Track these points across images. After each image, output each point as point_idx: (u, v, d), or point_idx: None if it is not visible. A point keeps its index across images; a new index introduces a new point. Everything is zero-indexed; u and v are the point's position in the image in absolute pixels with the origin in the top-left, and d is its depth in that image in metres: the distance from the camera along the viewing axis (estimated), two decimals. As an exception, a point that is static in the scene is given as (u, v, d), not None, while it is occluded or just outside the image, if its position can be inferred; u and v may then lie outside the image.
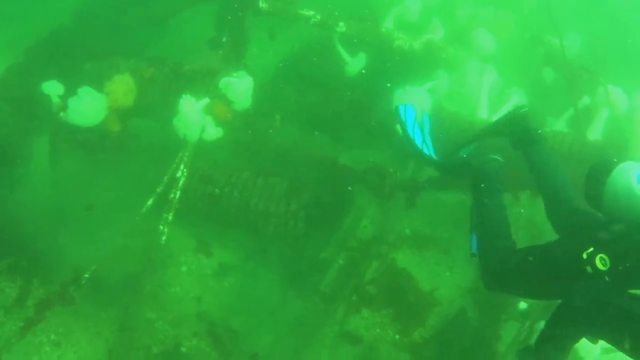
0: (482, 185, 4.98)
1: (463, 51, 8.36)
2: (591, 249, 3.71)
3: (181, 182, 7.07)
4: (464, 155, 5.56)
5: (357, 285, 6.80)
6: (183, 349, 6.76)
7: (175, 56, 7.98)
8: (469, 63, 8.09)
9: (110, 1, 8.66)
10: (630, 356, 3.48)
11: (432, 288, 6.87)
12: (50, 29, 8.31)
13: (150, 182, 7.12)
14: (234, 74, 7.27)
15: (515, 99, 7.79)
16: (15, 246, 6.59)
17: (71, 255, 6.91)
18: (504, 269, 4.47)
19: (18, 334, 6.09)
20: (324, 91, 7.78)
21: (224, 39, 7.93)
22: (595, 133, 7.45)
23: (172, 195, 7.05)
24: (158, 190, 7.05)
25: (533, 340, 6.33)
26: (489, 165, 5.05)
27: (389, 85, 7.32)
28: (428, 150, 5.67)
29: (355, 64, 7.97)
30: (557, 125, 7.85)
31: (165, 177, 7.09)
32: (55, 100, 7.07)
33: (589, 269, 3.68)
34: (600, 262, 3.62)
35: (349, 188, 6.99)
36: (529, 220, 7.24)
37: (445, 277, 7.00)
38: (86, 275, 6.54)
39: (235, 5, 7.93)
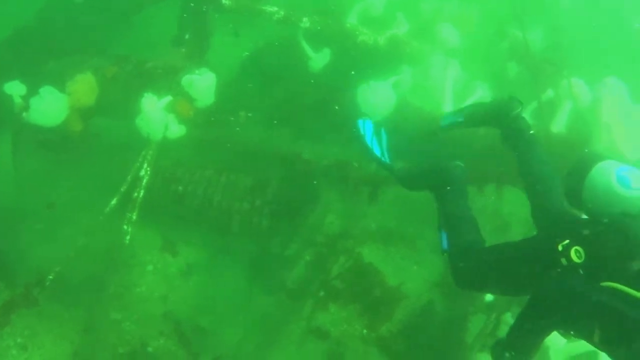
0: (448, 188, 4.96)
1: (427, 45, 8.35)
2: (567, 241, 3.69)
3: (145, 180, 7.01)
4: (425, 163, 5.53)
5: (323, 280, 6.78)
6: (149, 349, 6.71)
7: (139, 54, 7.91)
8: (433, 57, 8.07)
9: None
10: (599, 349, 3.50)
11: (399, 282, 6.86)
12: (13, 28, 8.19)
13: (114, 181, 7.05)
14: (197, 71, 7.20)
15: (479, 93, 7.79)
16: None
17: (34, 256, 6.87)
18: (476, 267, 4.45)
19: (-15, 338, 6.01)
20: (288, 87, 7.74)
21: (187, 36, 7.87)
22: (558, 125, 7.48)
23: (135, 194, 6.99)
24: (122, 189, 6.98)
25: (500, 331, 6.43)
26: (453, 171, 5.04)
27: (353, 80, 7.27)
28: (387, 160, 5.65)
29: (319, 59, 7.94)
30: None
31: (129, 176, 7.02)
32: (18, 100, 7.00)
33: (563, 260, 3.66)
34: (575, 254, 3.61)
35: (314, 182, 6.94)
36: (494, 213, 7.26)
37: (412, 271, 7.00)
38: (50, 277, 6.45)
39: (198, 2, 7.86)
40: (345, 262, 6.85)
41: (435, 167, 5.14)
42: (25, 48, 7.91)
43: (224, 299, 6.98)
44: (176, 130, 7.07)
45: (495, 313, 6.45)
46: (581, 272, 3.60)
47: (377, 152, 5.49)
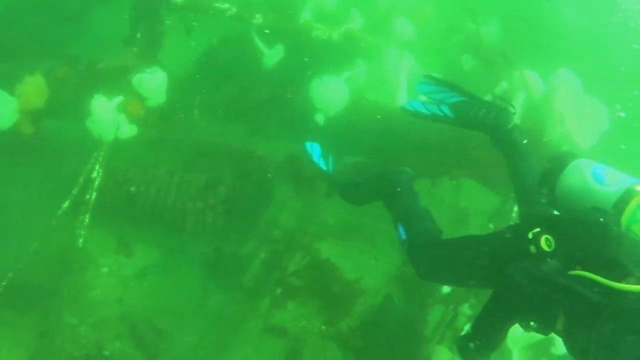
0: (398, 189, 4.95)
1: (382, 39, 8.33)
2: (537, 229, 3.67)
3: (97, 182, 6.92)
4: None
5: (280, 278, 6.72)
6: (106, 353, 6.65)
7: (91, 54, 7.80)
8: (388, 51, 8.06)
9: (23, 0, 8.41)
10: (561, 336, 3.48)
11: (357, 277, 6.84)
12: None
13: (66, 184, 6.95)
14: (147, 70, 7.12)
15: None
16: None
17: (-15, 262, 6.71)
18: (439, 257, 4.45)
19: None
20: (242, 84, 7.68)
21: (139, 35, 7.76)
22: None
23: (88, 197, 6.89)
24: (73, 192, 6.87)
25: (458, 322, 6.45)
26: (401, 175, 5.03)
27: (307, 75, 7.25)
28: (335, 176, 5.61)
29: (272, 55, 7.88)
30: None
31: (81, 178, 6.91)
32: (-33, 104, 6.86)
33: (532, 248, 3.63)
34: (545, 242, 3.58)
35: (269, 175, 6.89)
36: (451, 205, 7.26)
37: (370, 266, 6.97)
38: (3, 283, 6.35)
39: (150, 0, 7.77)
40: (303, 259, 6.80)
41: (384, 172, 5.15)
42: (-27, 50, 7.76)
43: (180, 299, 6.91)
44: (127, 130, 6.98)
45: (452, 305, 6.46)
46: (549, 261, 3.58)
47: (325, 170, 5.46)
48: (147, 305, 6.97)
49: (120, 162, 7.10)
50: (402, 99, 7.53)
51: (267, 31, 7.98)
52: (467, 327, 6.28)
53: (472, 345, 3.86)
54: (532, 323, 3.80)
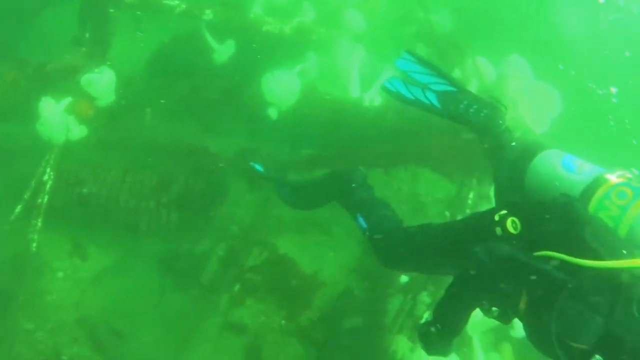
0: (353, 185, 4.92)
1: (334, 32, 8.30)
2: (504, 211, 3.66)
3: (48, 185, 6.82)
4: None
5: (238, 274, 6.69)
6: (64, 358, 6.56)
7: (39, 56, 7.69)
8: (340, 43, 8.04)
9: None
10: (523, 320, 3.49)
11: (316, 270, 6.83)
12: None
13: (17, 188, 6.84)
14: (96, 70, 7.03)
15: (386, 75, 7.80)
16: None
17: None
18: (403, 244, 4.43)
19: None
20: (193, 81, 7.61)
21: (87, 35, 7.67)
22: (466, 103, 7.53)
23: (40, 200, 6.79)
24: (25, 196, 6.77)
25: (417, 311, 6.46)
26: (356, 172, 5.00)
27: (258, 70, 7.21)
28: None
29: (223, 51, 7.82)
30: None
31: (32, 182, 6.81)
32: None
33: (498, 230, 3.61)
34: (512, 224, 3.57)
35: (222, 174, 6.84)
36: (410, 195, 7.26)
37: (329, 258, 6.95)
38: (-44, 291, 6.24)
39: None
40: (260, 254, 6.77)
41: (337, 170, 5.12)
42: None
43: (137, 300, 6.85)
44: (78, 131, 6.89)
45: (411, 294, 6.46)
46: (514, 242, 3.57)
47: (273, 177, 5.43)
48: (104, 308, 6.91)
49: (72, 164, 7.01)
50: (355, 91, 7.51)
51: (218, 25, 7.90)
52: (427, 315, 6.31)
53: (433, 329, 3.83)
54: (494, 308, 3.80)
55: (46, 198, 6.79)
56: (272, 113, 7.13)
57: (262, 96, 7.08)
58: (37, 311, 6.72)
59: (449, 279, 3.88)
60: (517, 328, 6.44)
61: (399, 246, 4.46)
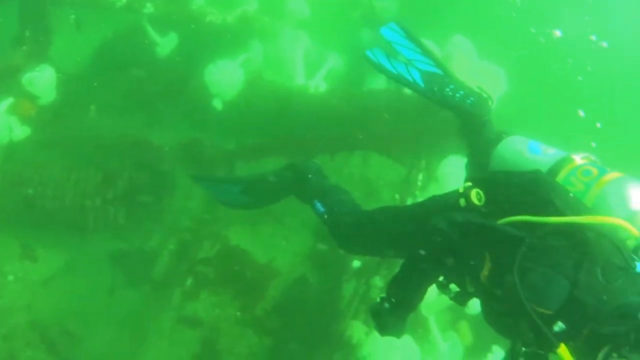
0: (310, 176, 4.88)
1: (278, 20, 8.25)
2: (469, 183, 3.64)
3: (-8, 187, 6.68)
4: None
5: (190, 268, 6.63)
6: (19, 362, 6.43)
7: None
8: (283, 31, 7.99)
9: None
10: (483, 290, 3.42)
11: (269, 260, 6.81)
12: None
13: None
14: (37, 69, 6.92)
15: (331, 62, 7.80)
16: None
17: None
18: (360, 227, 4.40)
19: None
20: (136, 75, 7.51)
21: (27, 34, 7.54)
22: (412, 85, 7.53)
23: (-16, 204, 6.66)
24: (-31, 200, 6.64)
25: (371, 295, 6.45)
26: (311, 164, 4.97)
27: (202, 61, 7.15)
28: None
29: (166, 44, 7.75)
30: (376, 83, 7.91)
31: (-24, 186, 6.69)
32: None
33: (462, 201, 3.58)
34: (476, 196, 3.54)
35: (168, 167, 6.76)
36: (362, 180, 7.26)
37: (282, 247, 6.93)
38: None
39: (37, -1, 7.56)
40: (212, 247, 6.72)
41: (292, 163, 5.05)
42: None
43: (89, 299, 6.74)
44: (20, 131, 6.78)
45: (364, 278, 6.46)
46: (478, 214, 3.54)
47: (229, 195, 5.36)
48: (56, 309, 6.79)
49: (15, 164, 6.89)
50: (300, 78, 7.48)
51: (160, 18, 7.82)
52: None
53: (387, 305, 3.75)
54: (451, 286, 3.79)
55: (-9, 201, 6.64)
56: (217, 104, 7.10)
57: (205, 87, 7.02)
58: (-12, 317, 6.57)
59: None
60: (473, 306, 6.49)
61: (356, 229, 4.44)
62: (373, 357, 6.12)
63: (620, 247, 3.01)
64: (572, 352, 3.00)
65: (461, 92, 4.77)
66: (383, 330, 3.81)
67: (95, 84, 7.46)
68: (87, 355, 6.50)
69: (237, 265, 6.72)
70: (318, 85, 7.50)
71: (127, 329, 6.63)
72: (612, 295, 2.96)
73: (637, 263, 3.00)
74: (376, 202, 6.36)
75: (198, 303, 6.54)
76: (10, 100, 6.88)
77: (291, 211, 6.99)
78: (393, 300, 3.75)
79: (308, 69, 7.71)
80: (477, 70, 7.49)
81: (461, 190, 3.62)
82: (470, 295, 3.70)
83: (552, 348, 3.02)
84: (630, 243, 3.09)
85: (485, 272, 3.34)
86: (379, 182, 7.28)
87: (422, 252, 3.65)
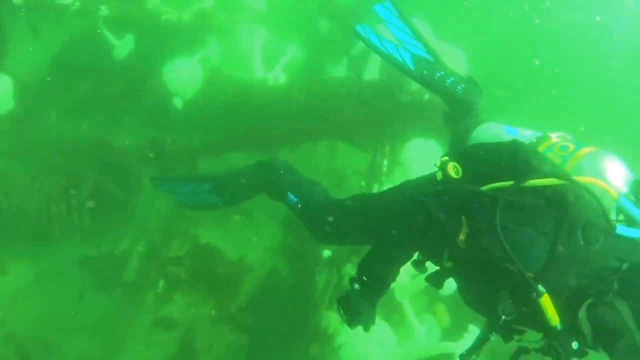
0: (282, 172, 4.87)
1: (235, 15, 8.21)
2: (446, 157, 3.63)
3: (-45, 200, 6.58)
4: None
5: (161, 269, 6.59)
6: (-6, 378, 6.36)
7: None
8: (240, 25, 7.96)
9: None
10: (464, 249, 3.38)
11: (241, 256, 6.77)
12: None
13: None
14: (-9, 78, 6.84)
15: (290, 53, 7.79)
16: None
17: None
18: (334, 216, 4.38)
19: None
20: (96, 79, 7.45)
21: (-20, 43, 7.43)
22: (371, 72, 7.55)
23: (-54, 218, 6.55)
24: None
25: (344, 284, 6.45)
26: (281, 160, 4.99)
27: (160, 61, 7.10)
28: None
29: (123, 46, 7.66)
30: (336, 71, 7.92)
31: (-63, 199, 6.58)
32: None
33: (439, 174, 3.56)
34: (453, 169, 3.53)
35: (128, 150, 6.69)
36: (328, 169, 7.25)
37: (253, 242, 6.90)
38: None
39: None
40: (181, 246, 6.67)
41: (262, 161, 5.05)
42: None
43: (62, 308, 6.67)
44: (-22, 142, 6.69)
45: (335, 267, 6.46)
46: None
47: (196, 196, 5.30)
48: (30, 321, 6.71)
49: (-23, 176, 6.77)
50: (258, 71, 7.46)
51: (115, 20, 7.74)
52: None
53: (357, 286, 3.72)
54: (427, 263, 3.77)
55: (-46, 214, 6.53)
56: (177, 102, 7.06)
57: (164, 86, 6.97)
58: (-40, 333, 6.48)
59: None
60: (447, 287, 6.51)
61: (331, 215, 4.42)
62: (349, 345, 6.12)
63: (600, 208, 3.03)
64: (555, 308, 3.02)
65: (451, 79, 4.82)
66: (352, 317, 3.76)
67: (53, 90, 7.34)
68: (64, 365, 6.42)
69: (208, 263, 6.68)
70: (277, 77, 7.49)
71: (103, 334, 6.58)
72: (592, 258, 2.98)
73: (617, 225, 3.02)
74: (345, 192, 6.31)
75: (172, 304, 6.50)
76: (-35, 113, 6.74)
77: (259, 205, 6.92)
78: (365, 278, 3.71)
79: (267, 61, 7.70)
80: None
81: (438, 164, 3.60)
82: (447, 274, 3.69)
83: (536, 299, 3.02)
84: (609, 205, 3.11)
85: (462, 237, 3.34)
86: (347, 171, 7.28)
87: (394, 231, 3.66)
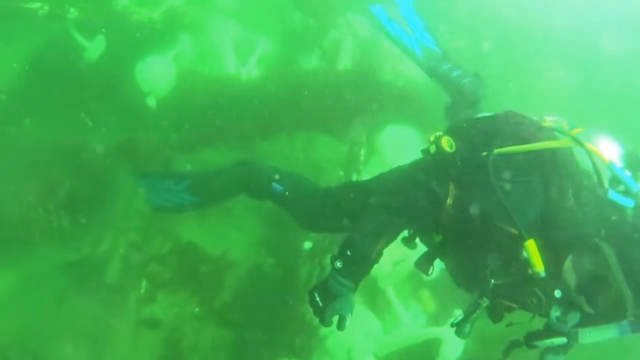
0: (261, 166, 4.94)
1: (206, 11, 8.18)
2: (439, 133, 3.64)
3: None
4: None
5: (143, 269, 6.57)
6: (-18, 392, 6.31)
7: None
8: (212, 21, 7.93)
9: None
10: (452, 214, 3.45)
11: (223, 252, 6.77)
12: None
13: None
14: (-38, 87, 6.77)
15: (262, 46, 7.78)
16: None
17: None
18: (320, 204, 4.39)
19: None
20: (69, 83, 7.39)
21: (-50, 53, 7.36)
22: (344, 62, 7.56)
23: None
24: None
25: (326, 273, 6.46)
26: (262, 161, 5.00)
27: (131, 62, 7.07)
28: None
29: (94, 48, 7.61)
30: (310, 62, 7.91)
31: None
32: None
33: (432, 148, 3.57)
34: (447, 143, 3.54)
35: (104, 151, 6.67)
36: (308, 162, 7.26)
37: (233, 238, 6.90)
38: None
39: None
40: (162, 245, 6.66)
41: (241, 160, 5.13)
42: None
43: (46, 315, 6.61)
44: (-49, 153, 6.62)
45: (317, 258, 6.47)
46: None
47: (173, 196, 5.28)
48: (15, 330, 6.63)
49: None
50: (231, 66, 7.44)
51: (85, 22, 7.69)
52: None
53: (338, 264, 3.65)
54: (417, 239, 3.78)
55: None
56: (151, 102, 7.03)
57: (137, 86, 6.94)
58: (-55, 347, 6.43)
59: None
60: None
61: (319, 201, 4.44)
62: (334, 336, 6.15)
63: (592, 171, 3.05)
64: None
65: (458, 72, 4.91)
66: (329, 302, 3.68)
67: (26, 97, 7.28)
68: (50, 371, 6.37)
69: (190, 261, 6.67)
70: (250, 71, 7.48)
71: (88, 339, 6.53)
72: (581, 218, 3.00)
73: (609, 190, 3.03)
74: (325, 183, 6.35)
75: (155, 304, 6.51)
76: (-63, 124, 6.67)
77: (239, 200, 6.93)
78: (348, 252, 3.64)
79: (240, 56, 7.68)
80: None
81: (432, 139, 3.62)
82: (436, 253, 3.71)
83: (521, 242, 3.04)
84: (602, 169, 3.14)
85: (450, 201, 3.35)
86: (326, 162, 7.29)
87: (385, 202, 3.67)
